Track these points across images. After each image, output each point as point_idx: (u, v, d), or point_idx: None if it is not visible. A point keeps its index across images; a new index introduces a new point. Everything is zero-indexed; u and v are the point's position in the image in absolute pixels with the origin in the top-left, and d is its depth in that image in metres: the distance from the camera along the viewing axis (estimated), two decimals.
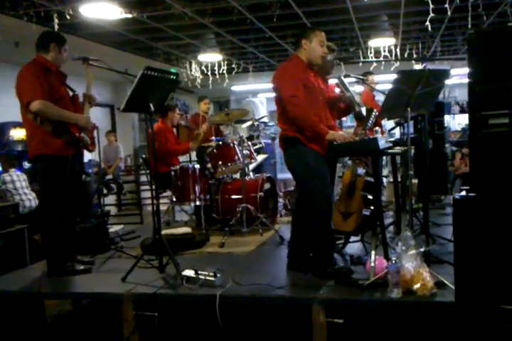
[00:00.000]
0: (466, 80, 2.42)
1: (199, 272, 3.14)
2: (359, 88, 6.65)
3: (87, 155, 3.93)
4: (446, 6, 5.45)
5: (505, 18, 6.26)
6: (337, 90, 3.88)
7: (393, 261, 2.73)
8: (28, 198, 5.75)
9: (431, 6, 5.32)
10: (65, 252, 3.54)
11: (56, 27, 5.49)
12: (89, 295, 3.40)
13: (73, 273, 3.54)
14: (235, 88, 11.82)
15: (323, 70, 3.92)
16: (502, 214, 2.22)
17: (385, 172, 5.90)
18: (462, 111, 11.42)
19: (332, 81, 4.03)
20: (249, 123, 6.00)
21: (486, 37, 2.40)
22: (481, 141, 2.31)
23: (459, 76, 8.56)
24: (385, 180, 5.97)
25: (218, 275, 3.09)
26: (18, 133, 7.02)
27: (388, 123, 6.20)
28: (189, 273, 3.17)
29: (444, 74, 3.24)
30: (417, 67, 3.57)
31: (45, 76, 3.38)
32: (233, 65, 9.04)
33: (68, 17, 5.44)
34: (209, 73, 8.96)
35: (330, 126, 3.37)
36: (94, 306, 3.80)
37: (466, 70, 2.43)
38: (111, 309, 3.21)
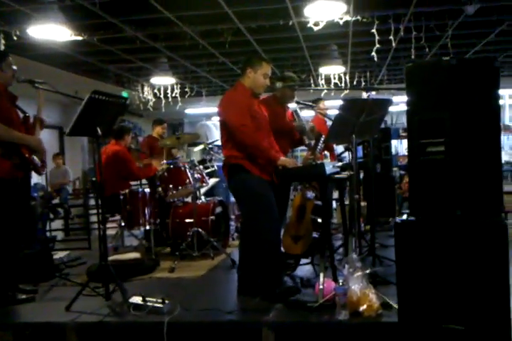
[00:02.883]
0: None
1: (147, 299, 3.07)
2: (310, 113, 6.83)
3: (33, 179, 3.82)
4: (391, 37, 5.75)
5: (446, 49, 6.65)
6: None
7: (340, 283, 2.79)
8: None
9: (377, 37, 5.61)
10: (6, 281, 3.40)
11: (2, 48, 5.38)
12: (31, 326, 3.24)
13: (15, 303, 3.40)
14: (189, 111, 11.85)
15: (281, 99, 4.03)
16: (439, 237, 2.33)
17: (335, 195, 6.04)
18: None
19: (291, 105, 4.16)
20: (201, 146, 6.02)
21: (423, 69, 2.55)
22: (419, 167, 2.43)
23: (405, 103, 8.95)
24: (335, 203, 6.10)
25: (167, 301, 3.04)
26: None
27: (339, 148, 6.37)
28: (136, 300, 3.09)
29: (387, 103, 3.40)
30: (365, 94, 3.74)
31: None
32: (186, 89, 9.10)
33: (15, 38, 5.35)
34: (162, 96, 8.97)
35: (275, 151, 3.44)
36: (36, 337, 3.63)
37: None
38: (54, 339, 3.08)
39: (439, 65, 2.52)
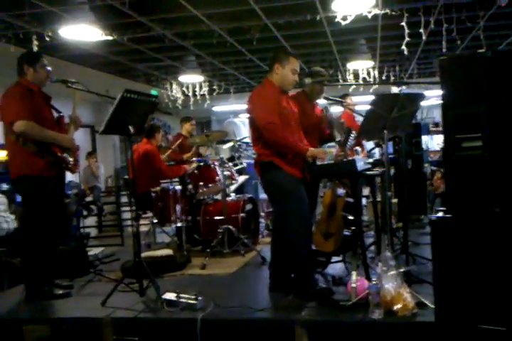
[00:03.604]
0: None
1: (180, 295, 3.11)
2: (338, 109, 6.76)
3: (67, 177, 3.90)
4: (421, 30, 5.64)
5: (479, 41, 6.49)
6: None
7: (374, 282, 2.75)
8: (6, 220, 5.64)
9: (406, 31, 5.50)
10: (43, 276, 3.49)
11: (35, 49, 5.50)
12: (67, 320, 3.32)
13: (51, 298, 3.48)
14: (217, 108, 11.90)
15: (310, 95, 4.00)
16: (477, 235, 2.27)
17: (365, 192, 5.97)
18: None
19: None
20: (230, 144, 6.04)
21: (458, 63, 2.50)
22: (455, 163, 2.38)
23: (436, 97, 8.78)
24: (365, 200, 6.02)
25: (199, 298, 3.06)
26: None
27: (369, 144, 6.29)
28: (170, 296, 3.13)
29: (419, 97, 3.32)
30: (395, 89, 3.68)
31: (28, 97, 3.39)
32: (214, 86, 9.14)
33: (47, 39, 5.46)
34: (190, 94, 9.03)
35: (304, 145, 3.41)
36: (73, 331, 3.71)
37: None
38: (90, 334, 3.15)
39: (474, 58, 2.46)
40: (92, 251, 4.64)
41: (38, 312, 3.31)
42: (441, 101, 2.53)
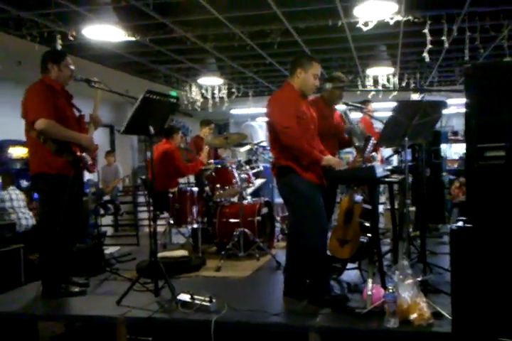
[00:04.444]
0: (464, 110, 2.48)
1: (195, 296, 3.12)
2: (357, 115, 6.73)
3: (85, 175, 3.93)
4: (444, 38, 5.59)
5: (502, 51, 6.41)
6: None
7: (390, 290, 2.73)
8: (25, 217, 5.72)
9: (428, 38, 5.46)
10: (60, 273, 3.52)
11: (59, 47, 5.58)
12: (82, 318, 3.36)
13: (67, 295, 3.52)
14: (235, 111, 11.92)
15: (329, 100, 4.00)
16: (498, 246, 2.24)
17: (382, 199, 5.93)
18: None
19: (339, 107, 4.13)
20: (247, 147, 6.06)
21: (483, 71, 2.47)
22: (477, 173, 2.35)
23: (456, 106, 8.70)
24: (381, 207, 5.98)
25: (214, 300, 3.07)
26: (16, 152, 7.05)
27: (386, 151, 6.25)
28: (185, 297, 3.14)
29: (441, 105, 3.29)
30: (415, 96, 3.65)
31: (51, 95, 3.43)
32: (233, 89, 9.16)
33: (71, 38, 5.53)
34: (209, 96, 9.07)
35: (321, 152, 3.39)
36: (87, 329, 3.75)
37: (463, 100, 2.49)
38: (104, 332, 3.17)
39: (500, 66, 2.44)
40: (108, 250, 4.68)
41: (54, 309, 3.34)
42: (464, 109, 2.51)
